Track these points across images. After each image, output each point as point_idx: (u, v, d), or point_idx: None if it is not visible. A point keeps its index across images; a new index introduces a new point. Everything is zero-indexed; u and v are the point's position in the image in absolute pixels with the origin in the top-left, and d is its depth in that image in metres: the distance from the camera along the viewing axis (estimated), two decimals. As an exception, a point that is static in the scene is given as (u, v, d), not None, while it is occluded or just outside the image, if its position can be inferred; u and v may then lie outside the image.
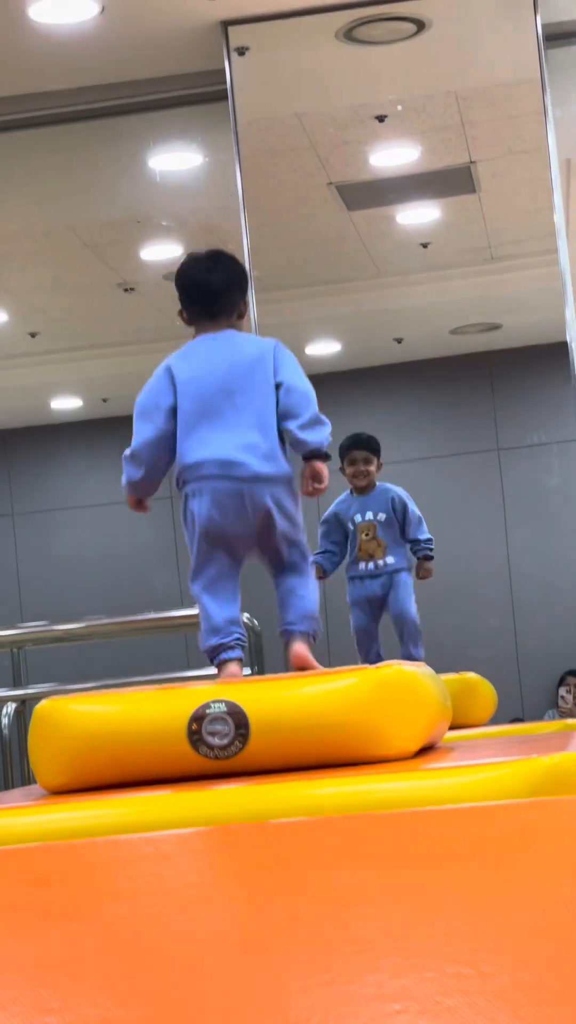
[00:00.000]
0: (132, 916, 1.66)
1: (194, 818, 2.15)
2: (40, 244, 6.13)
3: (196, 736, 2.40)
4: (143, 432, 3.09)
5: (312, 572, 3.04)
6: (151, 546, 7.15)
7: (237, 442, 2.95)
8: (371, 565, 4.76)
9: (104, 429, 7.34)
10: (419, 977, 1.45)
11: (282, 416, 2.97)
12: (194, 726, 2.39)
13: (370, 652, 4.77)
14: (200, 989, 1.49)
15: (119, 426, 7.42)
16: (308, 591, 2.99)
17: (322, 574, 4.66)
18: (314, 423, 2.98)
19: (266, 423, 2.97)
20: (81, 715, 2.45)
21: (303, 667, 2.85)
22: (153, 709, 2.43)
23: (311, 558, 3.07)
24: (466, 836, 1.79)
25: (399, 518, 4.80)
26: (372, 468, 4.80)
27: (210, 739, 2.39)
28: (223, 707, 2.39)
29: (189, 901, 1.67)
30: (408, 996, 1.43)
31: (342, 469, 4.79)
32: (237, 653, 2.90)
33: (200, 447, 2.99)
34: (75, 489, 7.51)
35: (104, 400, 7.44)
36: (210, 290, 3.08)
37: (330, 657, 5.25)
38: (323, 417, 3.01)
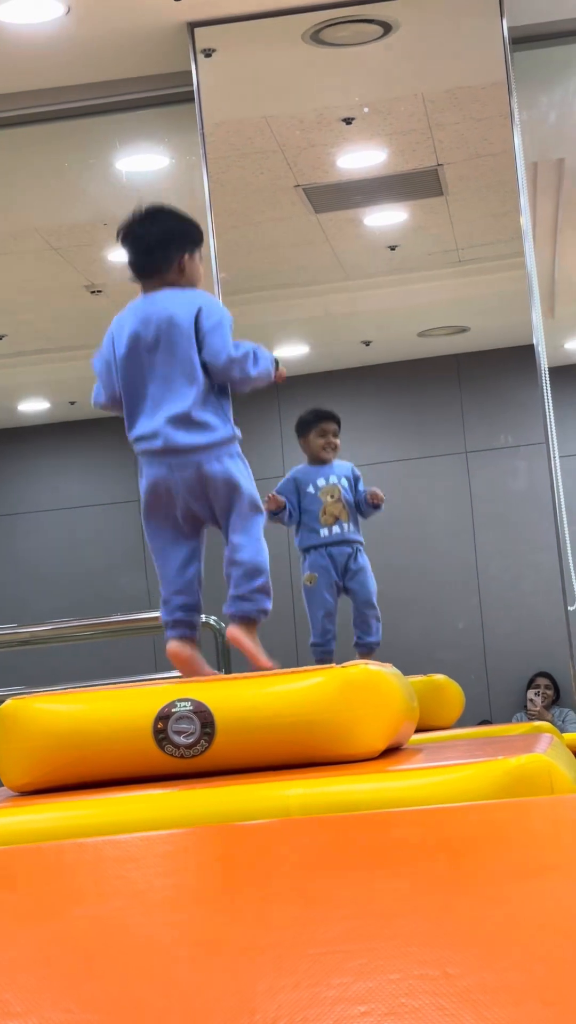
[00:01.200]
0: (98, 919, 1.65)
1: (160, 819, 2.14)
2: (6, 246, 6.11)
3: (162, 735, 2.39)
4: (99, 395, 3.11)
5: (257, 538, 2.96)
6: (118, 548, 7.13)
7: (164, 413, 2.93)
8: (336, 529, 4.69)
9: (72, 432, 7.32)
10: (384, 979, 1.44)
11: (213, 375, 2.95)
12: (160, 725, 2.39)
13: (327, 635, 4.69)
14: (166, 992, 1.48)
15: (87, 429, 7.44)
16: (247, 556, 2.93)
17: (278, 507, 4.60)
18: (245, 364, 2.95)
19: (192, 387, 2.93)
20: (46, 714, 2.44)
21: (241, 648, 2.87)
22: (119, 708, 2.43)
23: (257, 519, 2.97)
24: (432, 837, 1.79)
25: (355, 490, 4.75)
26: (338, 440, 4.79)
27: (176, 738, 2.38)
28: (189, 706, 2.38)
29: (155, 904, 1.67)
30: (373, 998, 1.43)
31: (306, 440, 4.75)
32: (180, 631, 2.89)
33: (133, 419, 3.00)
34: (42, 492, 7.48)
35: (72, 403, 7.42)
36: (143, 245, 3.03)
37: (298, 654, 5.25)
38: (249, 353, 2.96)
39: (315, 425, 4.74)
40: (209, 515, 2.96)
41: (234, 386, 2.98)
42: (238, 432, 3.00)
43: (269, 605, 2.95)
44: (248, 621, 2.92)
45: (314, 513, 4.68)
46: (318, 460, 4.75)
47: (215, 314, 2.96)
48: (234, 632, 2.92)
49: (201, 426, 2.93)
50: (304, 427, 4.76)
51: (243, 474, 2.97)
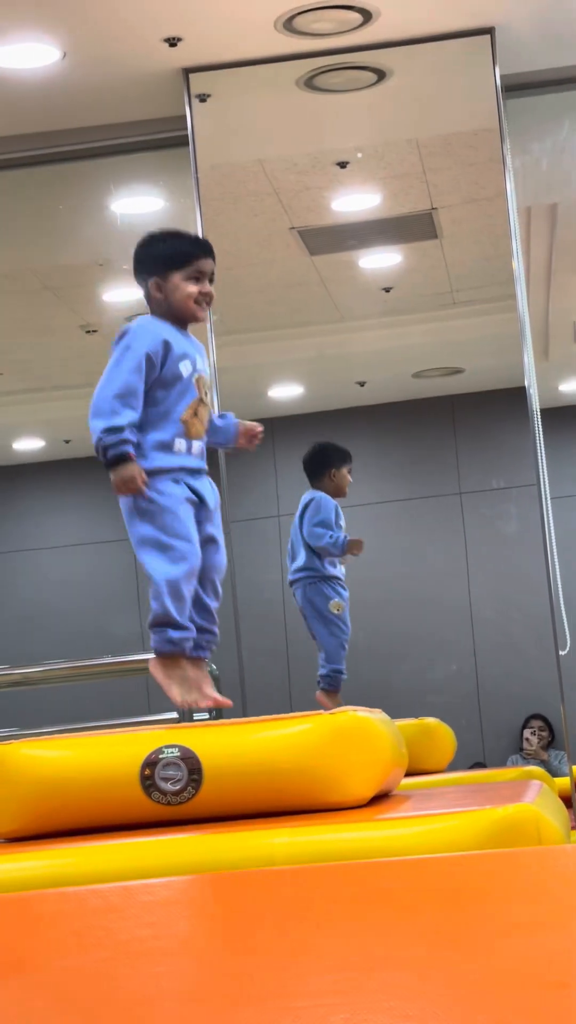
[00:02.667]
0: (79, 970, 1.64)
1: (146, 868, 2.13)
2: (2, 286, 6.13)
3: (149, 782, 2.38)
4: None
5: (150, 576, 2.95)
6: (112, 587, 7.12)
7: None
8: (344, 567, 4.83)
9: (66, 470, 7.33)
10: (368, 1032, 1.43)
11: None
12: (147, 771, 2.38)
13: (343, 662, 4.75)
14: (147, 1044, 1.47)
15: (81, 467, 7.44)
16: (151, 596, 2.95)
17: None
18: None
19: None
20: (33, 760, 2.43)
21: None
22: (106, 754, 2.42)
23: (157, 565, 2.95)
24: (418, 888, 1.78)
25: None
26: None
27: (163, 785, 2.37)
28: (176, 752, 2.37)
29: (137, 955, 1.65)
30: (357, 1052, 1.41)
31: (337, 472, 4.82)
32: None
33: None
34: (36, 530, 7.48)
35: (66, 441, 7.43)
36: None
37: (291, 696, 5.24)
38: (101, 422, 2.92)
39: (349, 460, 4.82)
40: None
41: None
42: (142, 464, 2.95)
43: (173, 635, 2.93)
44: (157, 653, 2.95)
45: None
46: (341, 494, 4.83)
47: (115, 348, 3.02)
48: (150, 664, 2.98)
49: None
50: (341, 459, 4.83)
51: (137, 509, 2.95)
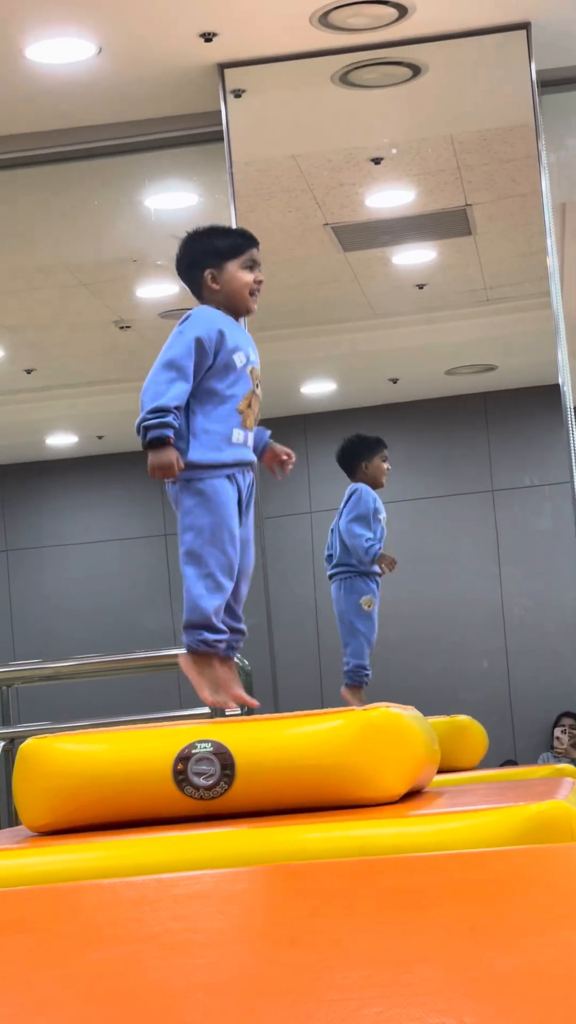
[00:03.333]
0: (113, 962, 1.64)
1: (179, 861, 2.14)
2: (36, 281, 6.15)
3: (182, 776, 2.38)
4: None
5: (188, 574, 2.94)
6: (144, 583, 7.14)
7: None
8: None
9: (99, 466, 7.35)
10: (401, 1027, 1.43)
11: None
12: (180, 766, 2.38)
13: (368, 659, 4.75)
14: (180, 1037, 1.47)
15: (114, 463, 7.45)
16: (186, 595, 2.95)
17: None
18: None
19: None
20: (66, 754, 2.44)
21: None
22: (139, 749, 2.42)
23: (198, 566, 2.94)
24: (451, 883, 1.77)
25: None
26: None
27: (196, 779, 2.38)
28: (209, 747, 2.38)
29: (170, 948, 1.66)
30: (389, 1046, 1.41)
31: (369, 463, 4.79)
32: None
33: None
34: (69, 526, 7.50)
35: (99, 437, 7.45)
36: (180, 277, 3.12)
37: (323, 693, 5.25)
38: (148, 399, 2.91)
39: (380, 449, 4.79)
40: None
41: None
42: (195, 459, 2.95)
43: (208, 636, 2.93)
44: (190, 652, 2.94)
45: (382, 541, 4.76)
46: (378, 485, 4.80)
47: (170, 335, 3.01)
48: (180, 660, 2.98)
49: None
50: (370, 450, 4.80)
51: (188, 502, 2.94)
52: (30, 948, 1.71)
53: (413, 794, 2.58)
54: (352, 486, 4.86)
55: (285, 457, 3.13)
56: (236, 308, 3.04)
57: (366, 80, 5.08)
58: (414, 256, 5.71)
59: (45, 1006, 1.56)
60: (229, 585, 2.94)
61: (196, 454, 2.92)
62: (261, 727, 2.44)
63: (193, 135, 5.37)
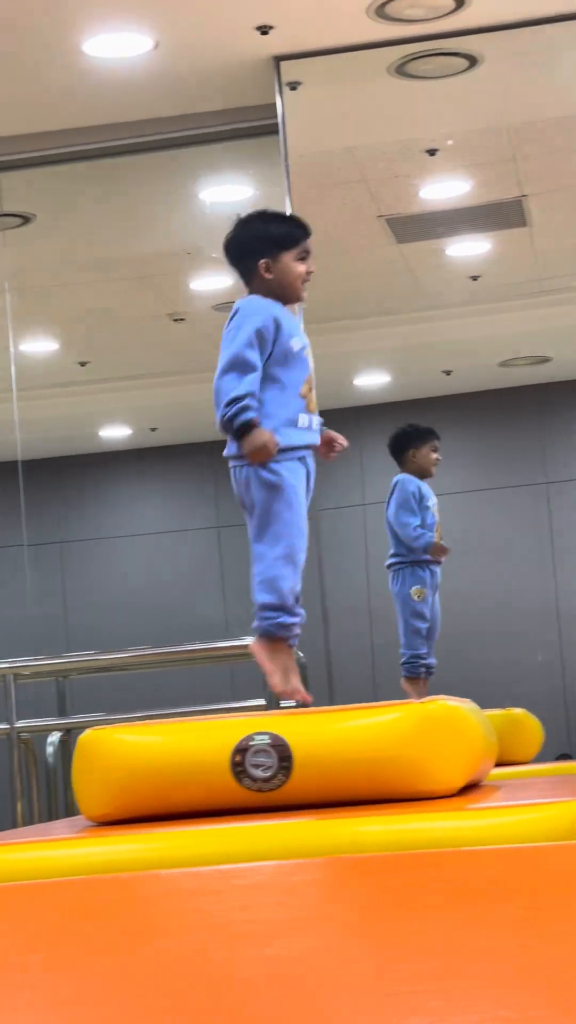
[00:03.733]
0: (176, 952, 1.65)
1: (237, 852, 2.15)
2: (91, 274, 6.18)
3: (239, 768, 2.39)
4: None
5: (267, 555, 2.92)
6: (197, 575, 7.16)
7: None
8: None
9: (153, 458, 7.37)
10: (464, 1020, 1.43)
11: None
12: (237, 758, 2.39)
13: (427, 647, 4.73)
14: (242, 1027, 1.48)
15: (168, 455, 7.47)
16: (261, 578, 2.93)
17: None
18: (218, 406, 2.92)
19: None
20: (125, 745, 2.45)
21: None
22: (197, 740, 2.43)
23: (275, 552, 2.93)
24: (511, 877, 1.77)
25: None
26: None
27: (253, 771, 2.39)
28: (267, 739, 2.39)
29: (233, 938, 1.67)
30: (452, 1039, 1.42)
31: (417, 451, 4.78)
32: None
33: None
34: (123, 518, 7.54)
35: (153, 429, 7.48)
36: (228, 260, 3.10)
37: (375, 686, 5.25)
38: (222, 397, 2.90)
39: (430, 439, 4.78)
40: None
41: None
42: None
43: (285, 620, 2.91)
44: (264, 636, 2.92)
45: (432, 528, 4.74)
46: (427, 474, 4.79)
47: (230, 326, 2.98)
48: (252, 647, 2.94)
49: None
50: (421, 438, 4.79)
51: (264, 483, 2.93)
52: (92, 937, 1.72)
53: (471, 787, 2.58)
54: (394, 478, 4.87)
55: (340, 442, 3.12)
56: (287, 297, 3.04)
57: (422, 71, 5.06)
58: (468, 247, 5.69)
59: (106, 993, 1.57)
60: (300, 569, 2.94)
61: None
62: (319, 719, 2.44)
63: (249, 128, 5.38)
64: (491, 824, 2.14)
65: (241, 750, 2.39)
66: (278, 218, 3.14)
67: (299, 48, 5.01)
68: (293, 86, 5.09)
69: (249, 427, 2.87)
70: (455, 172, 5.33)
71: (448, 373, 6.41)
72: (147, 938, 1.69)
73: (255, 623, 2.91)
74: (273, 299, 3.01)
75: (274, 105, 5.13)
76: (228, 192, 5.73)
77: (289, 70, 5.07)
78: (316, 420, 3.01)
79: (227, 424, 2.89)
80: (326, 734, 2.39)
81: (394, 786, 2.37)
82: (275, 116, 5.14)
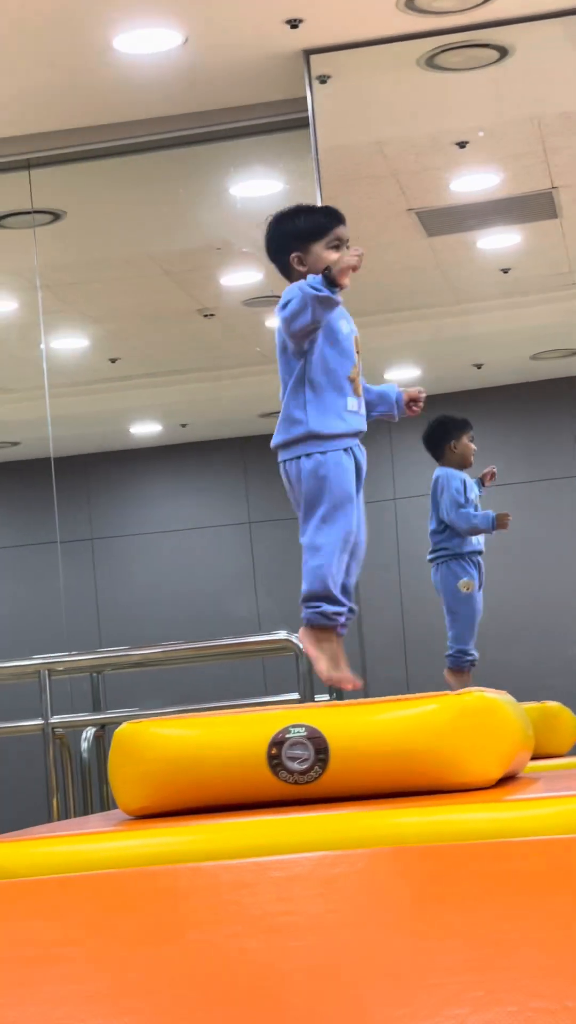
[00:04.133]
0: (213, 944, 1.66)
1: (274, 845, 2.15)
2: (120, 271, 6.19)
3: (276, 761, 2.39)
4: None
5: (313, 546, 2.93)
6: (229, 571, 7.16)
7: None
8: (480, 538, 4.77)
9: (183, 454, 7.38)
10: (502, 1011, 1.43)
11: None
12: (274, 751, 2.39)
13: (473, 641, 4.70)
14: (281, 1019, 1.48)
15: (198, 451, 7.48)
16: (306, 568, 2.94)
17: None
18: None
19: (285, 389, 2.99)
20: (161, 738, 2.45)
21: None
22: (233, 733, 2.44)
23: (322, 541, 2.94)
24: (549, 868, 1.77)
25: None
26: None
27: (290, 764, 2.39)
28: (303, 732, 2.39)
29: (270, 930, 1.67)
30: (491, 1030, 1.41)
31: (457, 442, 4.78)
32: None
33: None
34: (153, 514, 7.54)
35: (183, 425, 7.48)
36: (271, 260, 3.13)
37: (408, 679, 5.24)
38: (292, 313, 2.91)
39: (467, 429, 4.78)
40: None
41: (291, 341, 2.96)
42: (316, 429, 2.95)
43: (328, 609, 2.93)
44: (310, 625, 2.93)
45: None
46: (467, 464, 4.79)
47: (285, 292, 3.00)
48: (300, 635, 2.98)
49: (282, 426, 2.98)
50: (458, 429, 4.79)
51: (311, 474, 2.93)
52: (129, 929, 1.72)
53: (508, 779, 2.57)
54: (435, 472, 4.85)
55: (421, 396, 3.14)
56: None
57: (452, 63, 5.04)
58: (499, 240, 5.67)
59: (144, 985, 1.57)
60: (347, 560, 2.95)
61: (317, 424, 2.93)
62: (355, 711, 2.44)
63: (278, 122, 5.38)
64: (529, 816, 2.14)
65: (277, 743, 2.39)
66: (306, 210, 3.15)
67: (329, 41, 5.01)
68: (323, 80, 5.09)
69: (329, 279, 2.88)
70: (485, 164, 5.31)
71: (479, 367, 6.38)
72: (185, 930, 1.69)
73: (303, 612, 2.94)
74: None
75: (304, 99, 5.12)
76: (258, 187, 5.73)
77: (319, 63, 5.07)
78: (363, 405, 3.01)
79: (310, 299, 2.87)
80: (363, 726, 2.39)
81: (431, 778, 2.36)
82: (305, 110, 5.14)
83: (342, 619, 2.95)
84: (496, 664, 4.75)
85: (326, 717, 2.43)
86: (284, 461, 2.97)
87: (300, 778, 2.38)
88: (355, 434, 2.98)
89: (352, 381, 2.98)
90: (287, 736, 2.39)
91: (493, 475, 4.75)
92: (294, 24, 4.81)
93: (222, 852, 2.15)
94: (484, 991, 1.48)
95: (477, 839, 2.06)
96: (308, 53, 5.05)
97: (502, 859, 1.80)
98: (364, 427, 3.02)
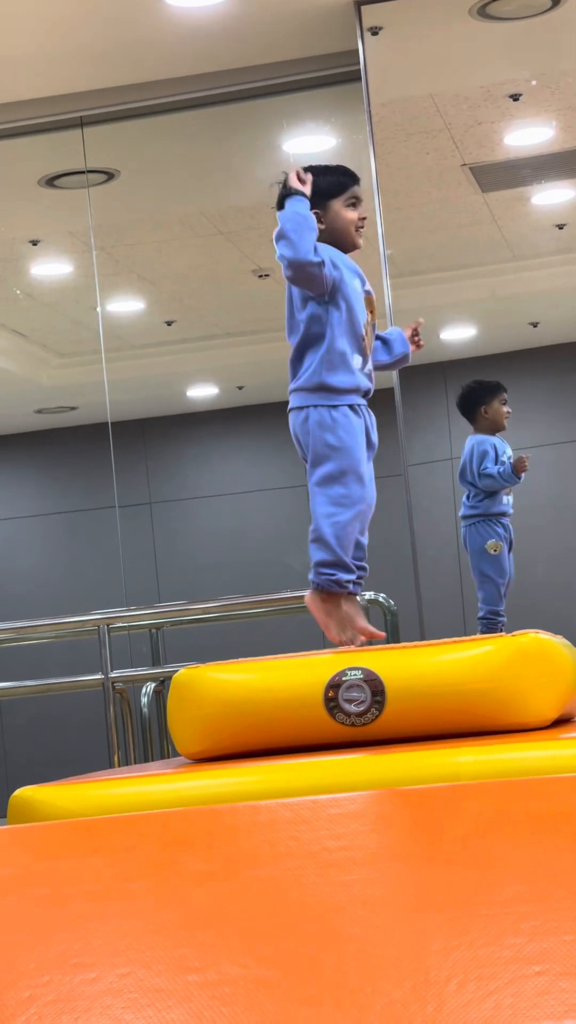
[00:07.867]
0: (272, 879, 1.67)
1: (332, 785, 2.16)
2: (175, 231, 6.18)
3: (333, 703, 2.41)
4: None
5: (321, 508, 2.92)
6: (287, 533, 7.17)
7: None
8: (511, 499, 4.78)
9: (240, 417, 7.38)
10: (559, 940, 1.44)
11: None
12: (331, 693, 2.40)
13: (502, 603, 4.70)
14: (339, 950, 1.50)
15: (255, 413, 7.47)
16: (313, 530, 2.94)
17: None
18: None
19: (292, 338, 3.01)
20: (219, 683, 2.47)
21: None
22: (290, 677, 2.45)
23: (331, 508, 2.93)
24: (606, 803, 1.77)
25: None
26: None
27: (347, 706, 2.40)
28: (359, 674, 2.40)
29: (327, 865, 1.68)
30: (548, 958, 1.42)
31: (488, 407, 4.77)
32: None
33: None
34: (211, 477, 7.56)
35: (239, 388, 7.48)
36: None
37: (466, 622, 5.22)
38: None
39: (499, 392, 4.78)
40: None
41: (292, 281, 2.97)
42: (327, 381, 2.94)
43: (342, 576, 2.91)
44: (318, 590, 2.92)
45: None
46: (499, 428, 4.79)
47: None
48: (306, 600, 2.96)
49: (293, 386, 2.99)
50: (490, 393, 4.79)
51: (320, 427, 2.93)
52: (190, 866, 1.74)
53: (562, 721, 2.57)
54: (468, 440, 4.86)
55: (418, 328, 3.15)
56: (343, 244, 3.08)
57: (504, 12, 4.99)
58: (554, 195, 5.62)
59: (205, 919, 1.59)
60: (358, 523, 2.94)
61: (326, 377, 2.93)
62: (411, 654, 2.45)
63: (330, 75, 5.34)
64: (586, 753, 2.14)
65: (334, 685, 2.40)
66: (324, 169, 3.18)
67: (380, -9, 4.98)
68: (375, 31, 5.05)
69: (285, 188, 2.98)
70: (539, 117, 5.26)
71: (535, 325, 6.33)
72: (244, 866, 1.71)
73: (311, 575, 2.93)
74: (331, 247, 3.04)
75: (356, 51, 5.09)
76: (311, 143, 5.70)
77: (370, 15, 5.03)
78: (370, 365, 3.01)
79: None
80: (419, 668, 2.40)
81: (486, 718, 2.37)
82: (357, 63, 5.10)
83: (351, 586, 2.95)
84: (546, 623, 4.72)
85: (382, 659, 2.43)
86: (293, 411, 2.97)
87: (357, 720, 2.40)
88: (363, 392, 2.98)
89: (363, 339, 2.99)
90: (344, 679, 2.40)
91: (525, 467, 4.73)
92: (345, -25, 4.78)
93: (280, 792, 2.17)
94: (540, 920, 1.48)
95: (532, 776, 2.06)
96: (359, 4, 5.01)
97: (556, 795, 1.80)
98: (371, 386, 3.01)
